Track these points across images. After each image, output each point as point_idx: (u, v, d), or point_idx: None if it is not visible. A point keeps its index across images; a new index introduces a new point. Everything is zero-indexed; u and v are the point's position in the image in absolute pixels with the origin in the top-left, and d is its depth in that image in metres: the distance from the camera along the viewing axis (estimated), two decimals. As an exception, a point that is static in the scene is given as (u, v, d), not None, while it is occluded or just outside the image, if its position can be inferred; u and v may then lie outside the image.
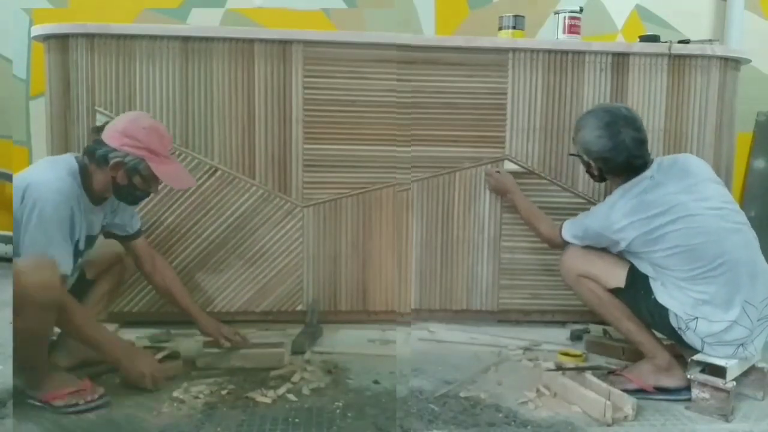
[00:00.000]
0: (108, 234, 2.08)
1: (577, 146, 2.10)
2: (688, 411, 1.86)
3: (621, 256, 2.02)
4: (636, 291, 1.97)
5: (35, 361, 1.78)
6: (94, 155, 1.84)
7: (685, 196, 1.90)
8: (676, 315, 1.90)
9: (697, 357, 1.89)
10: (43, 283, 1.65)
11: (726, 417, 1.80)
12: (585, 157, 2.07)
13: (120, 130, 1.85)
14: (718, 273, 1.85)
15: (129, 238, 2.11)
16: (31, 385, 1.80)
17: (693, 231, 1.86)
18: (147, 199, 2.43)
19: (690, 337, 1.90)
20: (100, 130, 1.90)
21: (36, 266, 1.66)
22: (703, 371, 1.86)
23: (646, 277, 1.96)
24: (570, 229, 2.11)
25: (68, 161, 1.87)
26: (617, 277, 1.99)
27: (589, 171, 2.12)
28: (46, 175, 1.78)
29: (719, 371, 1.82)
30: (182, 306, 2.17)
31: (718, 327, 1.85)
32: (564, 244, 2.15)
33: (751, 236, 1.94)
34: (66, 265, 1.76)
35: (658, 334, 2.03)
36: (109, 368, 2.00)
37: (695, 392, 1.85)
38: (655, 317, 1.95)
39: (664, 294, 1.92)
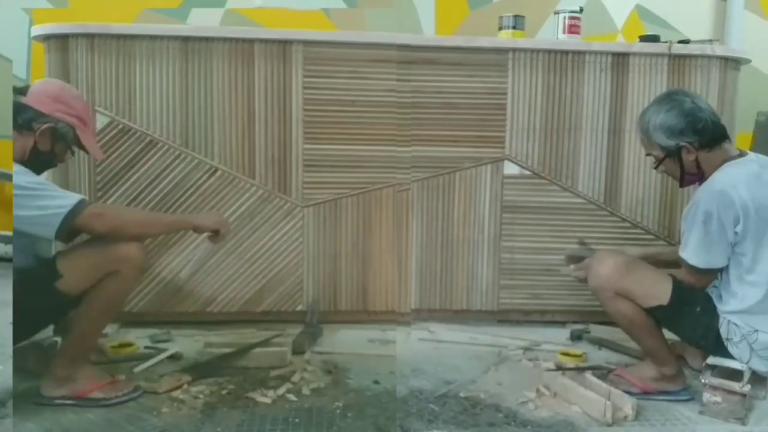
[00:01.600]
0: None
1: (652, 142, 1.91)
2: (690, 412, 1.86)
3: (663, 272, 1.91)
4: (680, 306, 1.87)
5: (88, 349, 1.90)
6: (17, 120, 1.79)
7: None
8: (735, 325, 1.81)
9: (711, 361, 1.86)
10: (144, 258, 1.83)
11: (742, 420, 1.79)
12: (671, 143, 1.86)
13: (52, 96, 1.82)
14: None
15: None
16: (60, 381, 1.80)
17: None
18: (146, 199, 2.45)
19: (740, 348, 1.82)
20: (21, 92, 1.84)
21: (137, 247, 1.79)
22: (713, 374, 1.84)
23: (691, 291, 1.89)
24: (686, 244, 1.85)
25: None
26: (661, 295, 1.86)
27: (681, 166, 1.89)
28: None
29: (735, 374, 1.81)
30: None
31: None
32: (694, 274, 1.88)
33: None
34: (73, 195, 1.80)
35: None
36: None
37: (706, 396, 1.84)
38: (699, 329, 1.87)
39: (733, 307, 1.82)
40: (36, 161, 1.84)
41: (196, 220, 2.00)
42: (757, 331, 1.80)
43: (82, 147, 1.89)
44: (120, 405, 1.81)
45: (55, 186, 1.85)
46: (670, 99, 1.89)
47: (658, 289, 1.87)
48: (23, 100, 1.81)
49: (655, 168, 1.98)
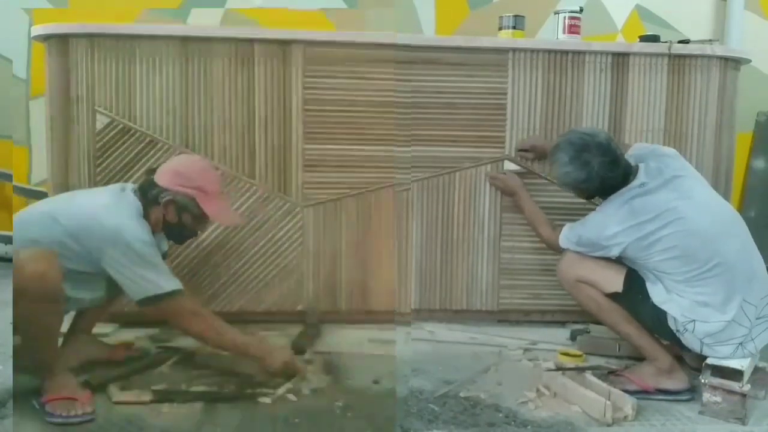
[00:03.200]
0: None
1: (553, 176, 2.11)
2: (690, 412, 1.86)
3: (618, 261, 2.01)
4: (634, 295, 1.96)
5: (39, 359, 1.79)
6: (146, 195, 1.94)
7: (675, 200, 1.90)
8: (674, 318, 1.89)
9: (711, 361, 1.87)
10: (41, 274, 1.64)
11: (742, 420, 1.80)
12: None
13: (173, 171, 1.95)
14: (713, 273, 1.85)
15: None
16: (40, 385, 1.79)
17: (685, 233, 1.86)
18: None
19: (688, 339, 1.90)
20: (152, 171, 2.00)
21: (34, 257, 1.66)
22: (713, 374, 1.85)
23: (643, 281, 1.96)
24: (566, 235, 2.10)
25: (133, 203, 1.90)
26: (614, 282, 1.98)
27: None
28: (125, 221, 1.83)
29: (735, 374, 1.81)
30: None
31: (716, 327, 1.85)
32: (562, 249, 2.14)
33: (744, 233, 1.94)
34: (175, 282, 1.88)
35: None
36: (115, 375, 1.99)
37: (706, 396, 1.84)
38: (654, 321, 1.94)
39: (661, 297, 1.91)
40: (171, 232, 2.01)
41: (269, 355, 1.98)
42: (694, 321, 1.85)
43: (204, 216, 1.98)
44: (81, 424, 1.68)
45: (163, 264, 1.90)
46: (575, 160, 1.98)
47: (611, 275, 1.99)
48: (154, 177, 1.96)
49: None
